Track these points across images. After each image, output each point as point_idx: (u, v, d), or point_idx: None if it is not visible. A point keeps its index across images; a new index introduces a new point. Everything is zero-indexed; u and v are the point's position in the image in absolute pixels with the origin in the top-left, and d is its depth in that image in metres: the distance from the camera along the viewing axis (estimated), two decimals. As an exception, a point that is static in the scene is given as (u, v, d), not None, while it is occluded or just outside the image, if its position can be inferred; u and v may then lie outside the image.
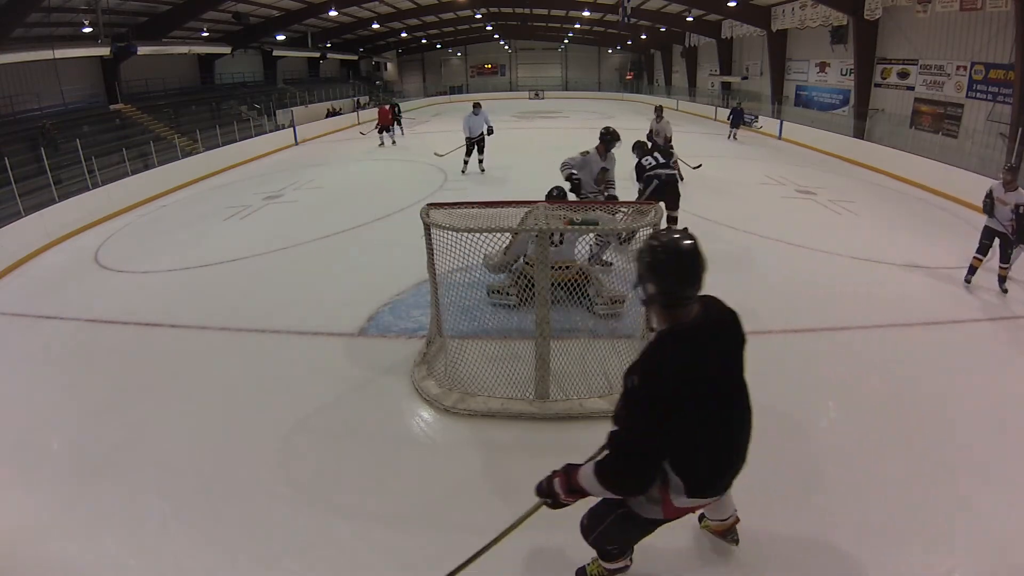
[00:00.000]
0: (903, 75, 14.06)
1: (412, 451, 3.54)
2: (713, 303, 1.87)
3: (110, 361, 4.87)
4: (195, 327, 5.34)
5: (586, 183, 6.43)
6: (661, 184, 6.62)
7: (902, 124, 13.82)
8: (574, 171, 6.33)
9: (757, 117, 19.07)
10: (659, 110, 11.11)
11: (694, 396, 1.69)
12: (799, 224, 8.00)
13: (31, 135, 12.81)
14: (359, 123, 23.71)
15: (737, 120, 17.46)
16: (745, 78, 23.58)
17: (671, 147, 9.68)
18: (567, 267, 4.95)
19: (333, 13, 21.65)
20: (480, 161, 11.75)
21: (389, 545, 2.84)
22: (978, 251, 5.72)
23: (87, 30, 15.29)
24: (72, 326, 5.62)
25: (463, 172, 11.59)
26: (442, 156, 12.29)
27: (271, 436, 3.70)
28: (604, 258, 5.74)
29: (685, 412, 1.68)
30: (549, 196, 5.42)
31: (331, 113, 24.28)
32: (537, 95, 36.78)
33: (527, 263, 4.85)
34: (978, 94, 11.70)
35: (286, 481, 3.30)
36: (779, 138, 17.18)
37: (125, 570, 2.77)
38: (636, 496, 1.86)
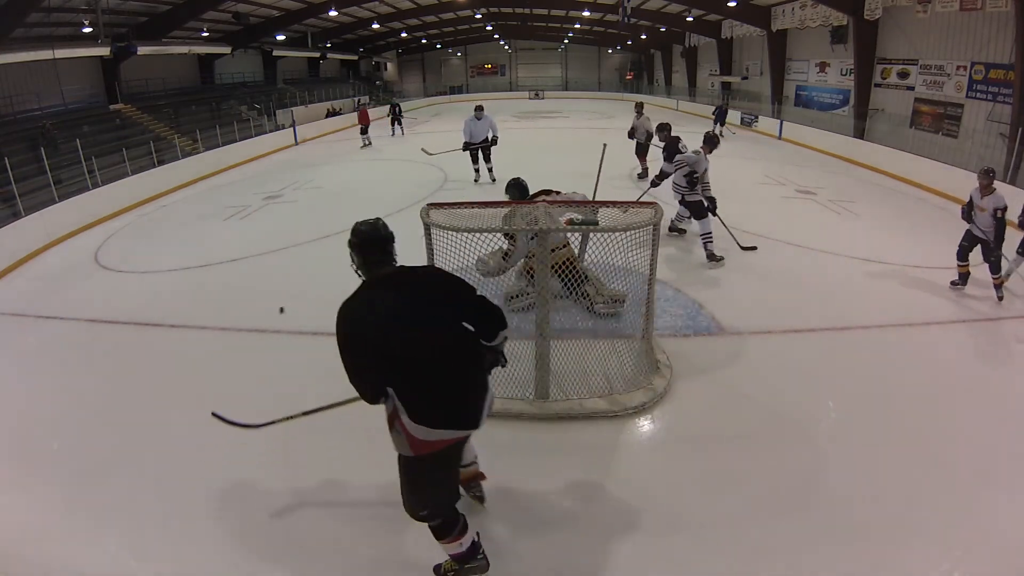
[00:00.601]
0: (903, 75, 14.06)
1: (412, 451, 3.54)
2: (415, 271, 2.33)
3: (110, 361, 4.87)
4: (195, 327, 5.34)
5: (678, 181, 6.52)
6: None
7: (902, 124, 13.82)
8: (690, 168, 6.37)
9: (757, 118, 19.08)
10: (639, 107, 11.13)
11: (373, 331, 2.12)
12: (799, 224, 8.00)
13: (31, 135, 12.80)
14: (359, 123, 23.71)
15: (722, 117, 17.64)
16: (745, 78, 23.57)
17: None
18: (563, 247, 4.92)
19: (333, 13, 21.65)
20: (489, 170, 10.68)
21: (389, 545, 2.84)
22: (958, 256, 5.59)
23: (87, 30, 15.29)
24: (72, 326, 5.61)
25: (476, 181, 10.72)
26: (431, 155, 11.63)
27: (271, 436, 3.70)
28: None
29: (368, 343, 2.13)
30: (519, 188, 5.27)
31: (331, 113, 24.29)
32: (537, 95, 36.78)
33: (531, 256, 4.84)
34: (978, 94, 11.69)
35: (286, 481, 3.31)
36: (779, 138, 17.18)
37: (125, 570, 2.77)
38: (369, 403, 2.24)
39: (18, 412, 4.18)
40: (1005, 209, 5.30)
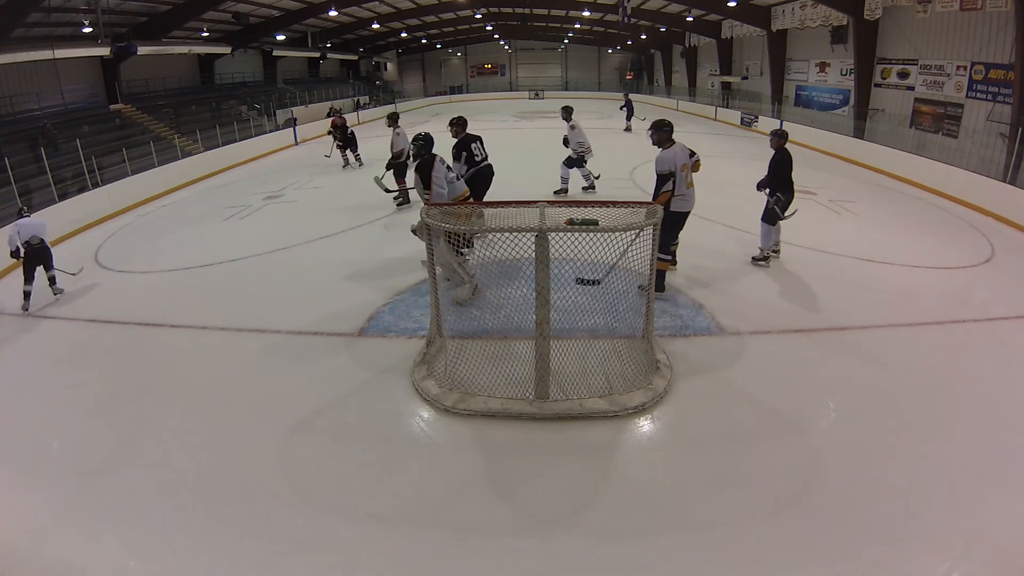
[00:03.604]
0: (903, 75, 14.06)
1: (412, 451, 3.54)
2: None
3: (110, 361, 4.87)
4: (195, 327, 5.34)
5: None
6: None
7: (902, 124, 13.82)
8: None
9: (757, 118, 19.06)
10: (392, 118, 9.34)
11: None
12: (799, 224, 7.98)
13: (31, 135, 12.81)
14: (359, 123, 23.67)
15: (629, 112, 17.23)
16: (745, 78, 23.58)
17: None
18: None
19: (333, 13, 21.65)
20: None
21: (389, 545, 2.84)
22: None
23: (87, 30, 15.28)
24: (72, 326, 5.61)
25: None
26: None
27: (271, 436, 3.70)
28: None
29: None
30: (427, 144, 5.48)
31: (331, 113, 24.27)
32: (537, 95, 36.75)
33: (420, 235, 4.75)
34: (978, 94, 11.70)
35: (286, 481, 3.31)
36: (779, 138, 17.15)
37: (125, 570, 2.77)
38: None
39: (18, 412, 4.18)
40: (662, 177, 4.85)
